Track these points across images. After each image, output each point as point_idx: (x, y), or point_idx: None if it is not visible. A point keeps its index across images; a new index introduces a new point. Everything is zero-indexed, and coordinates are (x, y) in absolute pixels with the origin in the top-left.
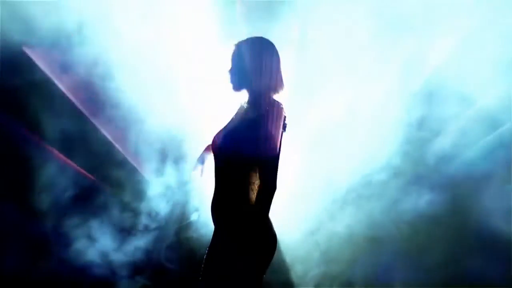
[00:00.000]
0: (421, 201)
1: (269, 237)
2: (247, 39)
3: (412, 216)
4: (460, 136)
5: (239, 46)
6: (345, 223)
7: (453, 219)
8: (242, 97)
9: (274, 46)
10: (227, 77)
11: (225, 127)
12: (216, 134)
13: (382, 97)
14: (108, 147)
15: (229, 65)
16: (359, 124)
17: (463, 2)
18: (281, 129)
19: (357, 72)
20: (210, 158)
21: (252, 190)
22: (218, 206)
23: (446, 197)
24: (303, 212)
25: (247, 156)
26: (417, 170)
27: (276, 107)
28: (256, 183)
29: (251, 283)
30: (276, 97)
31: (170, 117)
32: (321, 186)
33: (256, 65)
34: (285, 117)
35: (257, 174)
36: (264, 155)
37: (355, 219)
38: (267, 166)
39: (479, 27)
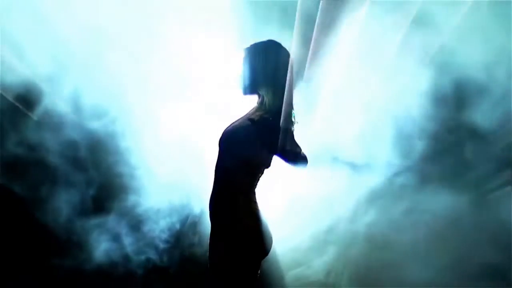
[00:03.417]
0: (440, 203)
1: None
2: (255, 43)
3: (429, 217)
4: (480, 139)
5: (247, 50)
6: (364, 222)
7: (471, 221)
8: (253, 99)
9: (284, 48)
10: (237, 82)
11: (231, 124)
12: (223, 130)
13: (408, 98)
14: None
15: (239, 71)
16: (383, 125)
17: None
18: (282, 135)
19: (382, 71)
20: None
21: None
22: (214, 202)
23: (465, 199)
24: (322, 211)
25: (240, 157)
26: (437, 172)
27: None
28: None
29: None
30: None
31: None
32: (342, 186)
33: (263, 69)
34: (291, 122)
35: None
36: (256, 158)
37: (374, 219)
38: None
39: None
